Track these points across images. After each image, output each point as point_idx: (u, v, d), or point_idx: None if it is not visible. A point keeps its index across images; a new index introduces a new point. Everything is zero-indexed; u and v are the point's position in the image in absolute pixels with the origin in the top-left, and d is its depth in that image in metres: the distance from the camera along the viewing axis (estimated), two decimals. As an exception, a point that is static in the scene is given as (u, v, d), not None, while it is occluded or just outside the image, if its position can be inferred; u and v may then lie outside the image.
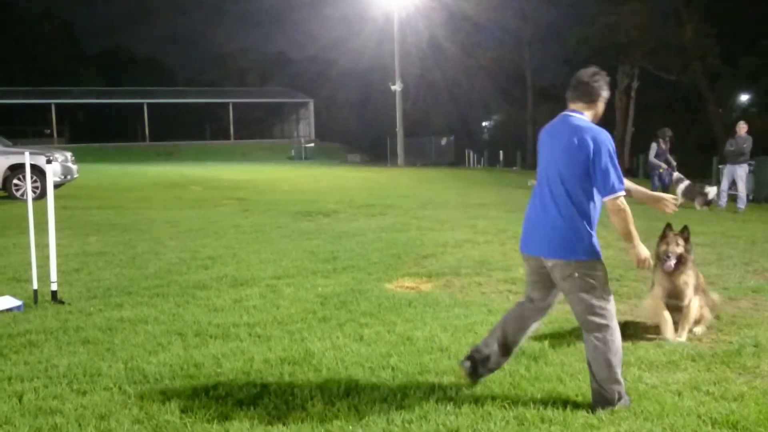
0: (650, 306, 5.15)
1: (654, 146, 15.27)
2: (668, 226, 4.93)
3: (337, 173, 29.91)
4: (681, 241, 4.86)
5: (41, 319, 5.37)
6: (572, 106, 3.75)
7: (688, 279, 4.95)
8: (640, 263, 3.65)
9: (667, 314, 4.96)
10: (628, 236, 3.59)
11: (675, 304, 4.99)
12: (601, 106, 3.75)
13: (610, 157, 3.51)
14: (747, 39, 37.35)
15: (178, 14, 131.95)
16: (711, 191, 14.43)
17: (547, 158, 3.73)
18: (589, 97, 3.71)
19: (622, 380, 3.65)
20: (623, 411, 3.56)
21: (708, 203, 14.24)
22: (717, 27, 36.63)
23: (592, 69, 3.76)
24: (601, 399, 3.60)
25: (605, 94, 3.75)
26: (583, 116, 3.69)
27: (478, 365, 3.90)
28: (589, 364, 3.66)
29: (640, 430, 3.38)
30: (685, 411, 3.58)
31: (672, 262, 4.86)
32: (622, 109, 40.00)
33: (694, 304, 4.98)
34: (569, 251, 3.58)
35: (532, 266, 3.82)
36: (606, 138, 3.56)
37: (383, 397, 3.78)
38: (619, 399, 3.61)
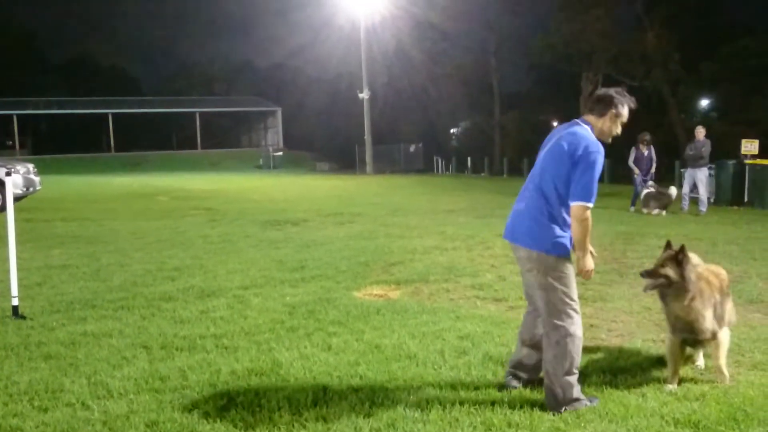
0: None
1: (633, 151, 15.48)
2: (668, 245, 4.20)
3: (306, 182, 29.84)
4: (668, 264, 4.02)
5: (1, 335, 5.25)
6: (583, 116, 3.88)
7: (697, 307, 4.00)
8: (584, 274, 3.76)
9: (673, 353, 4.12)
10: (581, 245, 3.69)
11: (692, 338, 4.12)
12: (609, 123, 3.80)
13: (593, 170, 3.61)
14: (707, 45, 38.23)
15: (143, 23, 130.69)
16: (672, 192, 14.66)
17: (540, 156, 3.85)
18: (600, 110, 3.81)
19: (575, 383, 3.70)
20: (588, 413, 3.60)
21: (664, 207, 14.42)
22: (678, 34, 37.46)
23: (619, 89, 3.89)
24: (551, 398, 3.69)
25: (619, 111, 3.80)
26: (586, 126, 3.78)
27: (521, 374, 4.03)
28: (543, 361, 3.75)
29: (605, 431, 3.42)
30: (649, 412, 3.63)
31: (650, 282, 4.05)
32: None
33: (722, 337, 4.09)
34: (534, 241, 3.70)
35: (517, 258, 3.93)
36: (597, 152, 3.63)
37: (351, 405, 3.77)
38: (572, 401, 3.66)
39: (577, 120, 3.84)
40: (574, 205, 3.61)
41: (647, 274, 4.05)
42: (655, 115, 39.64)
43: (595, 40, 37.12)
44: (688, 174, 14.99)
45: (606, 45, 37.50)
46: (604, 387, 4.01)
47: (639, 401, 3.79)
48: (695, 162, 14.62)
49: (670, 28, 37.48)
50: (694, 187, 14.85)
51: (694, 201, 14.92)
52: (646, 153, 15.20)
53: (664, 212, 14.29)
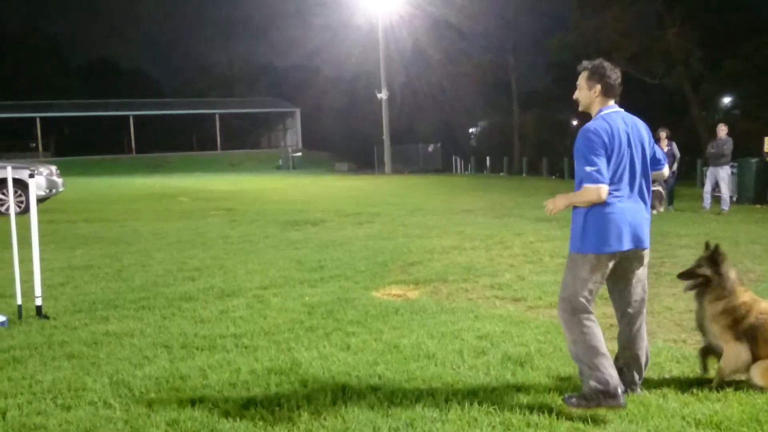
0: None
1: None
2: (706, 245, 4.20)
3: (325, 182, 29.92)
4: (704, 263, 4.06)
5: (25, 334, 5.33)
6: (615, 104, 3.88)
7: (715, 313, 3.97)
8: (548, 203, 3.86)
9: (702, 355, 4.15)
10: (572, 198, 3.75)
11: (713, 343, 4.07)
12: None
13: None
14: (729, 42, 37.77)
15: (163, 25, 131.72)
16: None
17: (632, 151, 3.75)
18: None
19: (601, 370, 3.59)
20: (609, 414, 3.58)
21: (659, 201, 14.26)
22: (699, 31, 37.04)
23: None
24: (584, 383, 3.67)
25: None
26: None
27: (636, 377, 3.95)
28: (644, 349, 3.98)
29: (625, 432, 3.40)
30: (670, 413, 3.60)
31: (690, 283, 4.11)
32: (607, 113, 40.28)
33: (729, 353, 3.93)
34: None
35: (631, 263, 3.94)
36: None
37: (370, 405, 3.78)
38: (600, 389, 3.57)
39: (621, 109, 3.87)
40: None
41: (684, 276, 4.18)
42: (677, 113, 39.27)
43: (615, 37, 36.82)
44: (710, 172, 14.82)
45: (626, 43, 37.18)
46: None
47: (660, 402, 3.76)
48: (717, 160, 14.46)
49: (692, 25, 37.07)
50: (716, 186, 14.69)
51: (716, 200, 14.75)
52: (666, 149, 15.07)
53: (655, 211, 14.16)
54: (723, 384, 3.96)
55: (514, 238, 10.13)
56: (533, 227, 11.53)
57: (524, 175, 37.53)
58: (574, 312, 3.69)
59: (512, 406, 3.72)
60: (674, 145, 15.15)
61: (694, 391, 3.91)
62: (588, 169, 3.61)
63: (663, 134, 15.24)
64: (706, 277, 4.02)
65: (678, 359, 4.49)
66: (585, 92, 3.88)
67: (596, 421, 3.52)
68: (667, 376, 4.19)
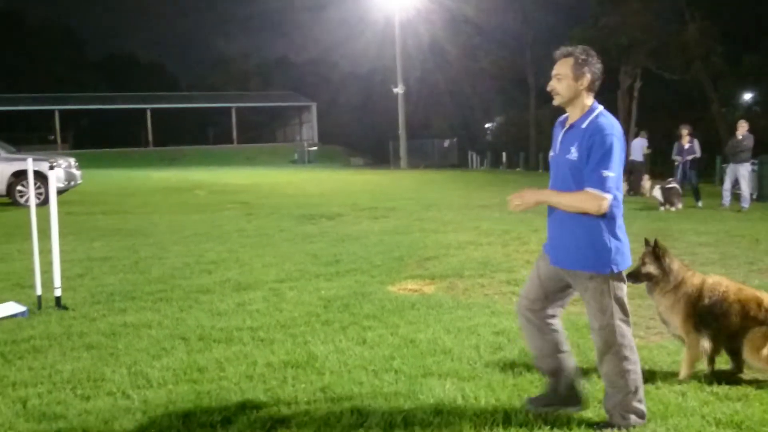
0: None
1: (675, 145, 15.40)
2: (646, 242, 4.19)
3: (340, 176, 29.94)
4: (648, 259, 4.09)
5: (45, 324, 5.38)
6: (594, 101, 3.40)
7: (669, 305, 4.11)
8: (514, 198, 3.38)
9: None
10: (554, 197, 3.37)
11: (676, 335, 4.27)
12: None
13: None
14: (750, 38, 37.27)
15: (180, 19, 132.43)
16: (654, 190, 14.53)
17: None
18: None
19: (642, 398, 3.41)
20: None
21: (677, 198, 14.17)
22: (720, 26, 36.56)
23: None
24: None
25: None
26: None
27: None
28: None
29: (643, 430, 3.37)
30: (689, 411, 3.57)
31: (634, 282, 4.10)
32: (625, 109, 39.95)
33: (690, 343, 4.09)
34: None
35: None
36: None
37: (386, 400, 3.78)
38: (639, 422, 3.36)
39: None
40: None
41: (632, 277, 4.03)
42: (696, 109, 38.83)
43: (634, 32, 36.40)
44: (730, 169, 14.65)
45: (645, 38, 36.77)
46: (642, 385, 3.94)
47: (679, 400, 3.72)
48: (737, 157, 14.30)
49: (713, 20, 36.60)
50: (735, 183, 14.52)
51: (736, 197, 14.59)
52: (687, 146, 14.99)
53: (673, 208, 13.99)
54: (739, 379, 3.92)
55: (530, 234, 10.08)
56: (550, 223, 11.45)
57: (541, 170, 37.27)
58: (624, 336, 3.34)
59: (529, 402, 3.70)
60: (696, 142, 15.05)
61: (714, 389, 3.87)
62: (606, 173, 3.15)
63: (685, 131, 15.14)
64: (651, 274, 4.07)
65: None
66: (570, 83, 3.31)
67: (614, 418, 3.48)
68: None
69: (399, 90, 39.56)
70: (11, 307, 5.74)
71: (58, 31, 63.91)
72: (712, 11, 36.71)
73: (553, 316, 3.56)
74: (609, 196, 3.17)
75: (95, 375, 4.23)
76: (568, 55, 3.33)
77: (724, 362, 4.23)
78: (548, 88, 3.39)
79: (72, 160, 16.95)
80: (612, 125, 3.24)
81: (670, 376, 4.09)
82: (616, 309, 3.31)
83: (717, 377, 4.06)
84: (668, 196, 14.09)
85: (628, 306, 3.38)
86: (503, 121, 56.57)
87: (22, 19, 63.70)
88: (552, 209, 3.42)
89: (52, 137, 52.25)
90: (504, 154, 43.35)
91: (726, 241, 9.46)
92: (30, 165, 6.66)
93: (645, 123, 38.88)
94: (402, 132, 40.40)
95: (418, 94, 50.84)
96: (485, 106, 53.99)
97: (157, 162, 43.90)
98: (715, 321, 4.02)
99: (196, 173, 30.40)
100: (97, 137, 52.62)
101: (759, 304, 4.02)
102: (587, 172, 3.20)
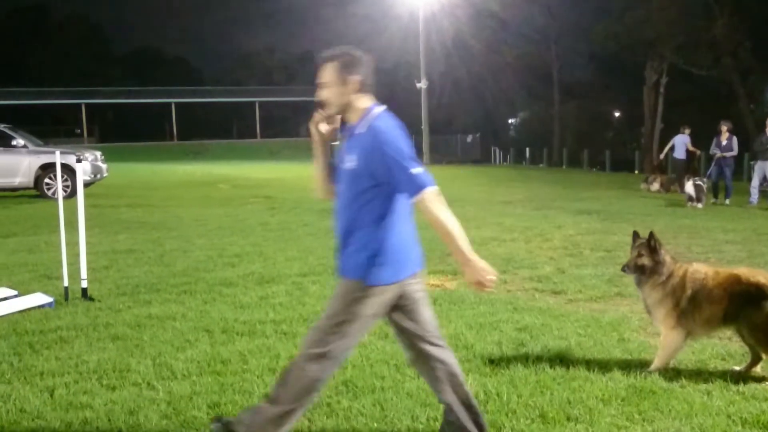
0: None
1: (714, 140, 15.28)
2: (635, 234, 4.31)
3: (363, 171, 29.89)
4: (644, 251, 4.16)
5: (72, 315, 5.46)
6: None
7: (658, 298, 4.17)
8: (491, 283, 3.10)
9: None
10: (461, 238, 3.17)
11: (655, 325, 4.38)
12: None
13: None
14: (780, 33, 36.59)
15: (205, 14, 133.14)
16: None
17: None
18: None
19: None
20: (650, 410, 3.52)
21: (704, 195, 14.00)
22: (749, 21, 35.95)
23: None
24: None
25: None
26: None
27: None
28: None
29: (668, 429, 3.34)
30: (715, 411, 3.53)
31: (630, 273, 4.27)
32: (651, 105, 39.49)
33: (666, 336, 4.15)
34: None
35: None
36: None
37: (408, 394, 3.78)
38: None
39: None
40: None
41: (628, 269, 4.23)
42: (723, 105, 38.25)
43: (661, 27, 35.92)
44: (758, 166, 14.45)
45: (672, 33, 36.25)
46: (667, 384, 3.90)
47: (704, 399, 3.68)
48: (765, 154, 14.09)
49: (741, 15, 36.00)
50: (764, 180, 14.32)
51: (765, 194, 14.37)
52: (725, 143, 14.84)
53: (700, 205, 13.78)
54: (765, 378, 3.87)
55: (554, 231, 10.01)
56: (573, 220, 11.37)
57: (564, 167, 37.04)
58: None
59: (552, 399, 3.69)
60: (734, 139, 14.95)
61: (741, 389, 3.83)
62: (414, 171, 2.90)
63: (725, 127, 14.97)
64: (645, 266, 4.17)
65: (723, 356, 4.40)
66: (337, 90, 2.98)
67: (639, 417, 3.46)
68: (711, 374, 4.10)
69: (422, 85, 39.46)
70: (39, 298, 5.84)
71: (85, 26, 64.66)
72: (741, 6, 36.10)
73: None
74: (434, 187, 2.97)
75: (121, 366, 4.29)
76: (330, 59, 3.00)
77: (737, 361, 4.18)
78: (316, 99, 3.08)
79: (98, 154, 17.17)
80: (393, 124, 2.96)
81: (696, 375, 4.05)
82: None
83: (743, 377, 4.01)
84: (697, 193, 13.94)
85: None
86: (527, 117, 56.26)
87: (50, 13, 64.60)
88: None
89: (79, 131, 52.92)
90: (527, 149, 43.10)
91: (753, 239, 9.32)
92: (58, 158, 6.77)
93: (670, 118, 38.44)
94: (425, 127, 40.30)
95: (441, 89, 50.71)
96: (509, 102, 53.70)
97: (182, 156, 44.22)
98: (698, 309, 4.10)
99: (220, 167, 30.60)
100: (122, 131, 53.13)
101: (738, 281, 4.07)
102: (399, 183, 2.94)
